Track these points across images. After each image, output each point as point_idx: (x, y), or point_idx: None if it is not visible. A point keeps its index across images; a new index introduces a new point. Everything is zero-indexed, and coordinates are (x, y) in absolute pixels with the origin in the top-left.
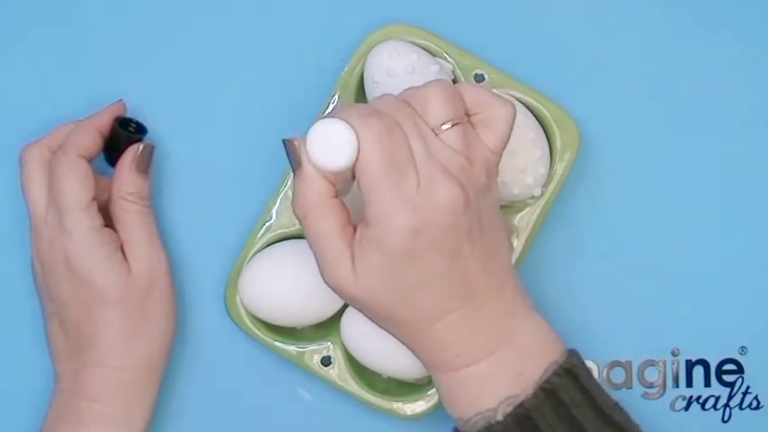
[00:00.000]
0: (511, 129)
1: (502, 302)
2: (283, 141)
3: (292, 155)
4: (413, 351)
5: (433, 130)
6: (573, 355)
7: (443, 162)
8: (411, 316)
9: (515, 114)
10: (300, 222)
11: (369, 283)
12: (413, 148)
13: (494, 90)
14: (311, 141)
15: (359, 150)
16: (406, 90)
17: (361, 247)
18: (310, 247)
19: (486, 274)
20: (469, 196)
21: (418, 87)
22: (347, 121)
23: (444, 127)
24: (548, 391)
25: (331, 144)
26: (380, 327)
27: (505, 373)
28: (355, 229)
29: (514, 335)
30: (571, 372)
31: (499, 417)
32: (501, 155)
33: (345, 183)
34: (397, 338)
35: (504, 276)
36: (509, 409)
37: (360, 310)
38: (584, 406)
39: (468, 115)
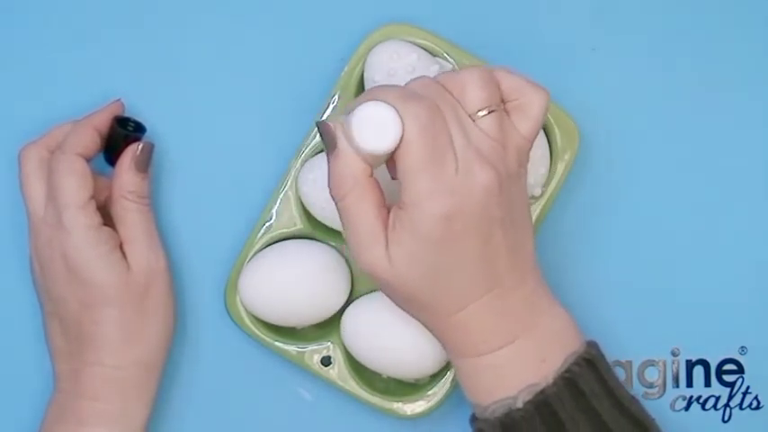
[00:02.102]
0: (544, 115)
1: (526, 291)
2: (317, 124)
3: (327, 136)
4: (437, 336)
5: (469, 115)
6: (592, 346)
7: (480, 148)
8: (440, 300)
9: (549, 101)
10: (337, 204)
11: (402, 267)
12: (452, 134)
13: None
14: (356, 124)
15: (402, 133)
16: (442, 74)
17: (395, 230)
18: (344, 228)
19: (513, 261)
20: (503, 182)
21: (456, 72)
22: (391, 105)
23: (480, 113)
24: (568, 380)
25: (376, 127)
26: (407, 311)
27: (527, 360)
28: (388, 212)
29: (537, 323)
30: (591, 362)
31: (519, 404)
32: (533, 142)
33: (377, 165)
34: (423, 323)
35: (530, 265)
36: (529, 397)
37: (389, 294)
38: (602, 396)
39: (503, 102)
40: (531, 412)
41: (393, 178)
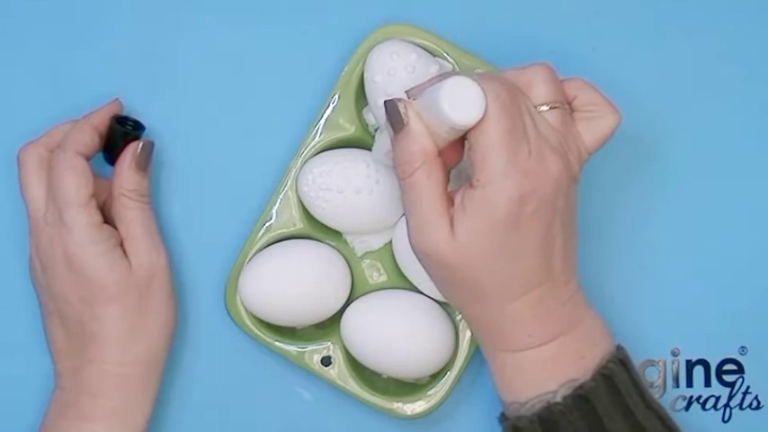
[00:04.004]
0: (612, 135)
1: (571, 290)
2: (385, 103)
3: (395, 115)
4: (481, 328)
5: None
6: (622, 348)
7: (548, 137)
8: (498, 285)
9: (620, 123)
10: (403, 181)
11: (467, 247)
12: (525, 121)
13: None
14: (444, 96)
15: (485, 110)
16: (507, 70)
17: (464, 208)
18: (408, 206)
19: (564, 258)
20: (568, 177)
21: (521, 68)
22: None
23: (544, 108)
24: (605, 377)
25: (463, 100)
26: (455, 300)
27: (568, 357)
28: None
29: (578, 322)
30: (624, 363)
31: (558, 398)
32: (591, 154)
33: (443, 146)
34: (470, 315)
35: (574, 266)
36: (568, 392)
37: (443, 278)
38: (635, 396)
39: (570, 106)
40: (570, 407)
41: (451, 166)
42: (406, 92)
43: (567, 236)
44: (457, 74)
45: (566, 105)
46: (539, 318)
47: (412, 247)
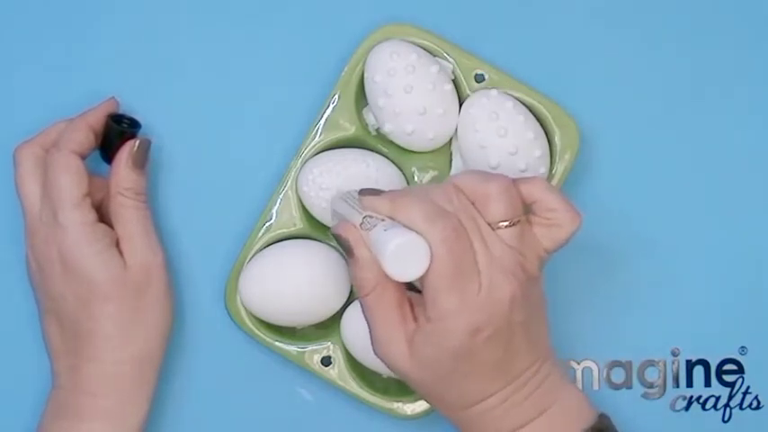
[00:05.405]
0: (569, 241)
1: (540, 378)
2: (332, 234)
3: (344, 245)
4: (454, 425)
5: (489, 224)
6: (604, 417)
7: (502, 260)
8: (457, 398)
9: (580, 227)
10: (359, 299)
11: (421, 368)
12: (476, 249)
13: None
14: (390, 260)
15: (429, 264)
16: (465, 177)
17: (418, 338)
18: (366, 320)
19: (530, 357)
20: (524, 290)
21: (479, 179)
22: (417, 231)
23: (502, 224)
24: None
25: (407, 259)
26: (421, 396)
27: None
28: (411, 304)
29: (551, 404)
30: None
31: None
32: (551, 256)
33: None
34: (439, 411)
35: (546, 349)
36: None
37: (404, 381)
38: None
39: (532, 214)
40: None
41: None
42: (359, 191)
43: (531, 337)
44: (402, 234)
45: (523, 216)
46: (505, 413)
47: (373, 350)
